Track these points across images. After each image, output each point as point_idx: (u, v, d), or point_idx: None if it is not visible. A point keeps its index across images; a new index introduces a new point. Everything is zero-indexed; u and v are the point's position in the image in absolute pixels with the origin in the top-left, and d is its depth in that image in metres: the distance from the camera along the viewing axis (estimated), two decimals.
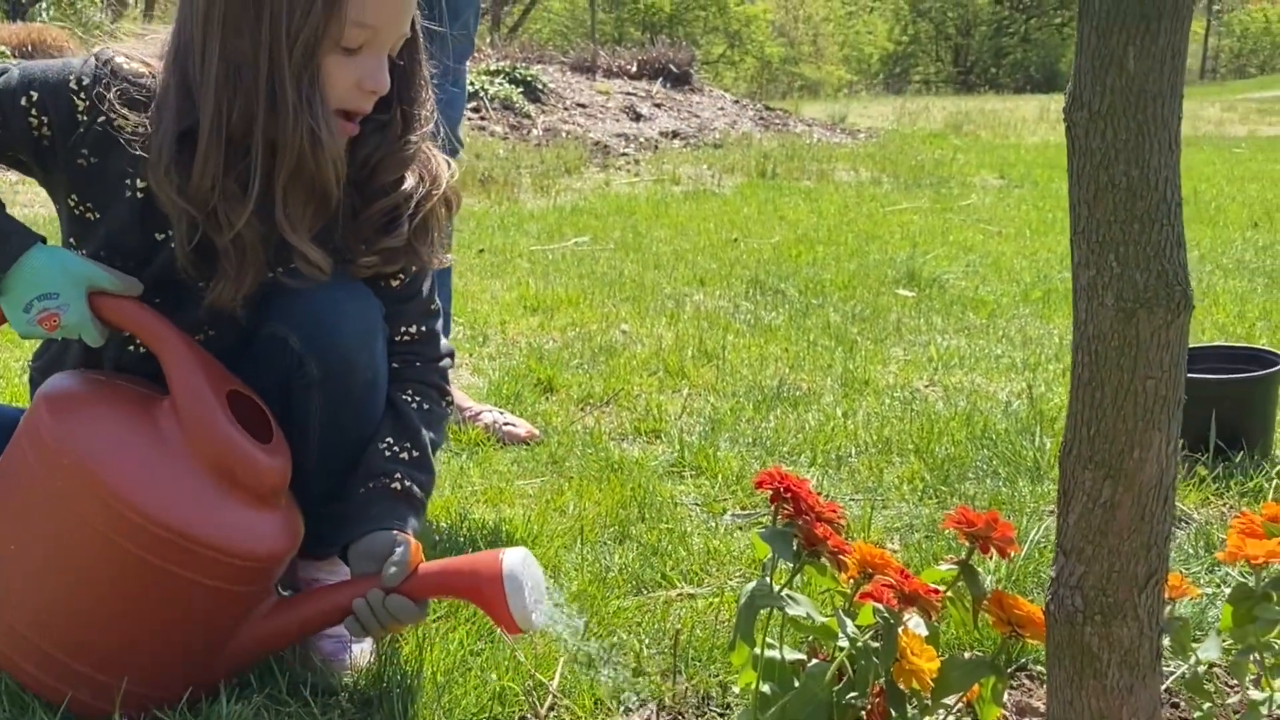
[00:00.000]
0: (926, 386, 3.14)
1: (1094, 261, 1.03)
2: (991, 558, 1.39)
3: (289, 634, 1.58)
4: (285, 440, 1.62)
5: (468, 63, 2.75)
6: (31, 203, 5.55)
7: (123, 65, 1.59)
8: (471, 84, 9.80)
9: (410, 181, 1.66)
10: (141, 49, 1.63)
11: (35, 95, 1.56)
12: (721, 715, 1.57)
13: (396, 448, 1.67)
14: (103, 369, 1.67)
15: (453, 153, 2.71)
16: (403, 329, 1.72)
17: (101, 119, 1.56)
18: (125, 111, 1.55)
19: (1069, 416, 1.08)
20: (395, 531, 1.58)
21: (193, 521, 1.46)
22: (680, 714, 1.57)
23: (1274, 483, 2.26)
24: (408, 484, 1.64)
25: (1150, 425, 1.04)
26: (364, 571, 1.57)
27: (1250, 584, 1.37)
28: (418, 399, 1.72)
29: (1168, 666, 1.62)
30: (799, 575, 1.39)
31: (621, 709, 1.57)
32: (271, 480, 1.55)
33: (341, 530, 1.62)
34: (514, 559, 1.50)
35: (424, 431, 1.70)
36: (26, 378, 1.84)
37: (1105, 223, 1.02)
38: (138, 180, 1.57)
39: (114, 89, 1.56)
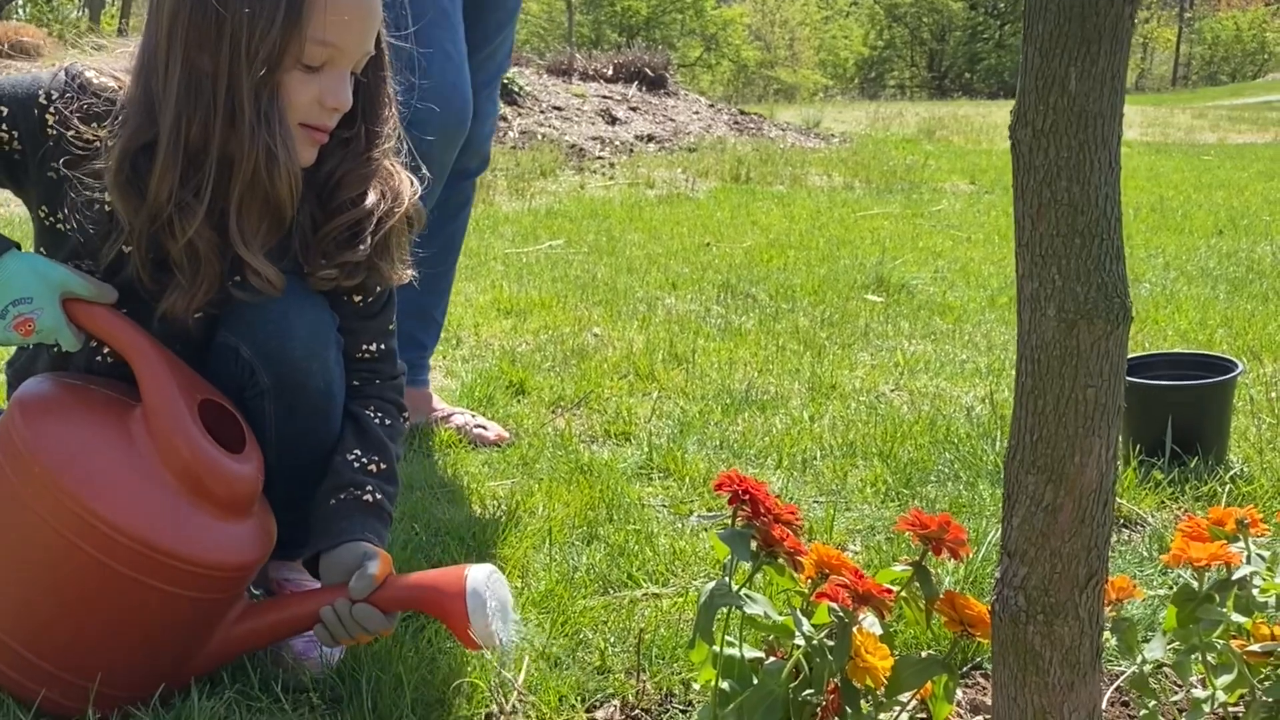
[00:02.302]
0: (892, 391, 3.19)
1: (1037, 274, 1.07)
2: (946, 559, 1.43)
3: (259, 639, 1.61)
4: (258, 447, 1.64)
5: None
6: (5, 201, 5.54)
7: (92, 80, 1.62)
8: None
9: (372, 198, 1.69)
10: (112, 63, 1.65)
11: (5, 110, 1.60)
12: (684, 712, 1.60)
13: (365, 460, 1.69)
14: (76, 367, 1.69)
15: (481, 166, 2.78)
16: (364, 346, 1.75)
17: (71, 132, 1.58)
18: (83, 126, 1.58)
19: (1013, 423, 1.12)
20: (366, 544, 1.61)
21: (159, 531, 1.48)
22: (644, 711, 1.61)
23: (1227, 487, 2.31)
24: (379, 497, 1.67)
25: (1090, 432, 1.08)
26: (334, 582, 1.60)
27: (1195, 586, 1.41)
28: (380, 414, 1.75)
29: (1119, 666, 1.67)
30: (762, 576, 1.43)
31: (586, 706, 1.61)
32: (242, 489, 1.57)
33: (313, 540, 1.65)
34: (478, 576, 1.53)
35: (390, 445, 1.73)
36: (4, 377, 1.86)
37: (1048, 237, 1.06)
38: (105, 193, 1.59)
39: (79, 103, 1.59)
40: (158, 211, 1.57)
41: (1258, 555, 1.43)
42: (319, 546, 1.64)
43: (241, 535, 1.57)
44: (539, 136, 9.45)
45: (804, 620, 1.35)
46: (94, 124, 1.59)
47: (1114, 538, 2.17)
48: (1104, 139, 1.04)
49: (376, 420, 1.74)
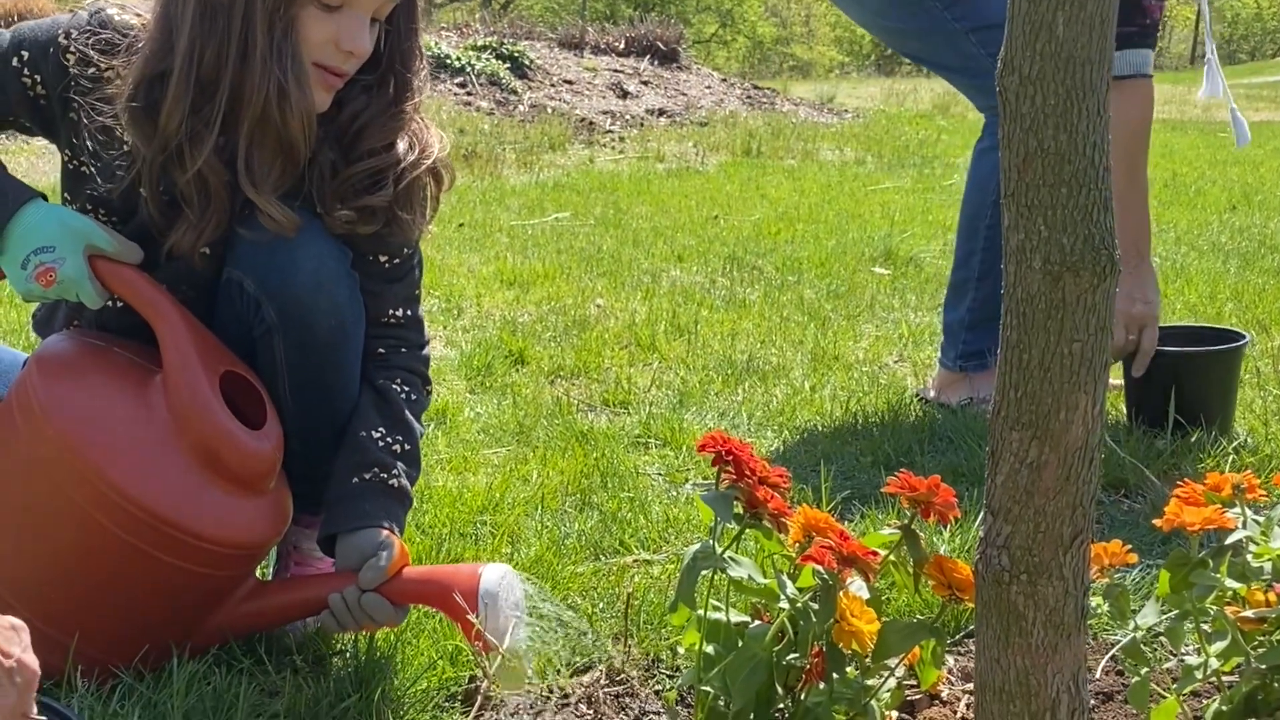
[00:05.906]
0: (896, 362, 3.16)
1: (1023, 225, 1.04)
2: (935, 522, 1.40)
3: (266, 620, 1.59)
4: (279, 424, 1.60)
5: None
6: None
7: (114, 17, 1.61)
8: (459, 59, 9.76)
9: (400, 147, 1.64)
10: (136, 4, 1.64)
11: (26, 55, 1.58)
12: (670, 676, 1.59)
13: (390, 439, 1.64)
14: (88, 321, 1.67)
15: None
16: (390, 311, 1.69)
17: (91, 70, 1.57)
18: (101, 58, 1.56)
19: (998, 378, 1.09)
20: (386, 532, 1.57)
21: (171, 505, 1.46)
22: (630, 676, 1.59)
23: (1230, 458, 2.28)
24: (404, 481, 1.63)
25: (1076, 388, 1.05)
26: (349, 567, 1.56)
27: (1188, 551, 1.38)
28: (405, 388, 1.69)
29: (1114, 635, 1.64)
30: (750, 540, 1.41)
31: (571, 670, 1.59)
32: (258, 466, 1.54)
33: (332, 519, 1.61)
34: (492, 576, 1.49)
35: (415, 425, 1.68)
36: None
37: (1034, 187, 1.03)
38: (120, 121, 1.57)
39: (98, 38, 1.57)
40: (167, 140, 1.55)
41: (1253, 520, 1.40)
42: (337, 527, 1.59)
43: (254, 513, 1.54)
44: (549, 110, 9.40)
45: (789, 583, 1.33)
46: (107, 56, 1.57)
47: (1118, 509, 2.15)
48: (1092, 85, 1.01)
49: (402, 395, 1.67)
